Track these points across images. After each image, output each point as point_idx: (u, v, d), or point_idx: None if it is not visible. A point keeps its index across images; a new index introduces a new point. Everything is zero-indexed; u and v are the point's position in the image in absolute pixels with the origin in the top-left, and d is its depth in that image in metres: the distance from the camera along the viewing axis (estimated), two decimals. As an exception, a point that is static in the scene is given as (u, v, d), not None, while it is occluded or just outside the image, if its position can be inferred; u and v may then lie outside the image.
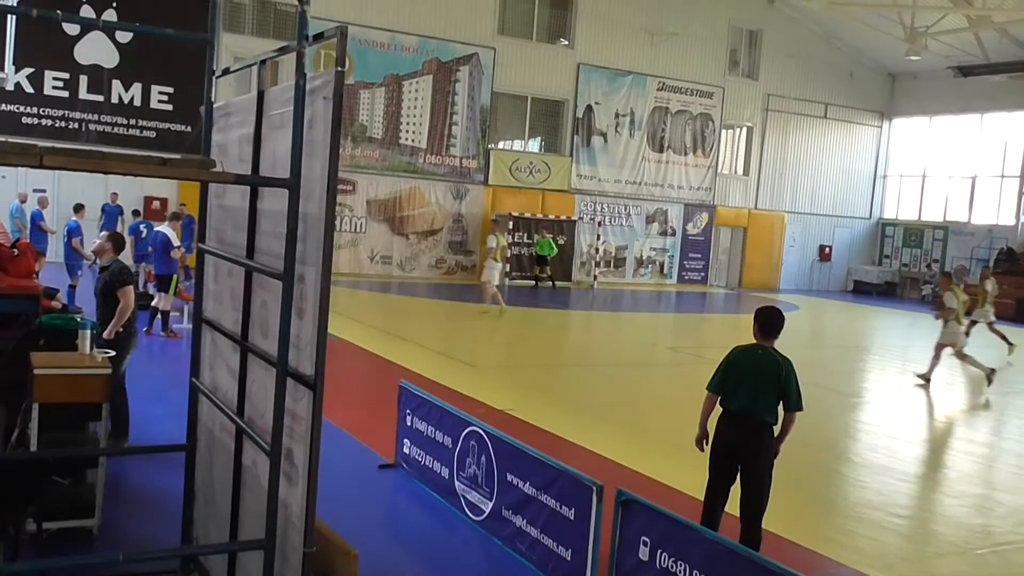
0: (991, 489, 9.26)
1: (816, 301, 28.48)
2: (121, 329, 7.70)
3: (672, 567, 5.01)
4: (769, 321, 6.20)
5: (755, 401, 5.95)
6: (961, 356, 15.10)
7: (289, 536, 4.01)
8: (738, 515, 6.03)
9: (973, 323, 18.14)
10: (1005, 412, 14.09)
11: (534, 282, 27.32)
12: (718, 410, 6.16)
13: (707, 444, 6.21)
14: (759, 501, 5.94)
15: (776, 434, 6.04)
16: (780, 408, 6.02)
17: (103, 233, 8.38)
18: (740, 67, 32.81)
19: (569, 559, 5.67)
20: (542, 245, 27.34)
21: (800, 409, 5.96)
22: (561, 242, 28.60)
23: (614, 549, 5.44)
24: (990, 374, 14.66)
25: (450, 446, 7.16)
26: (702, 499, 6.29)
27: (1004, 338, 18.70)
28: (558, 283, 27.89)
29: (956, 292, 14.85)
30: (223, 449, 4.89)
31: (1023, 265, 30.62)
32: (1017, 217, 32.12)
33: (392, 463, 8.10)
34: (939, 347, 14.90)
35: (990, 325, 18.80)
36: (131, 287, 7.86)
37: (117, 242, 8.15)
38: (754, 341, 6.19)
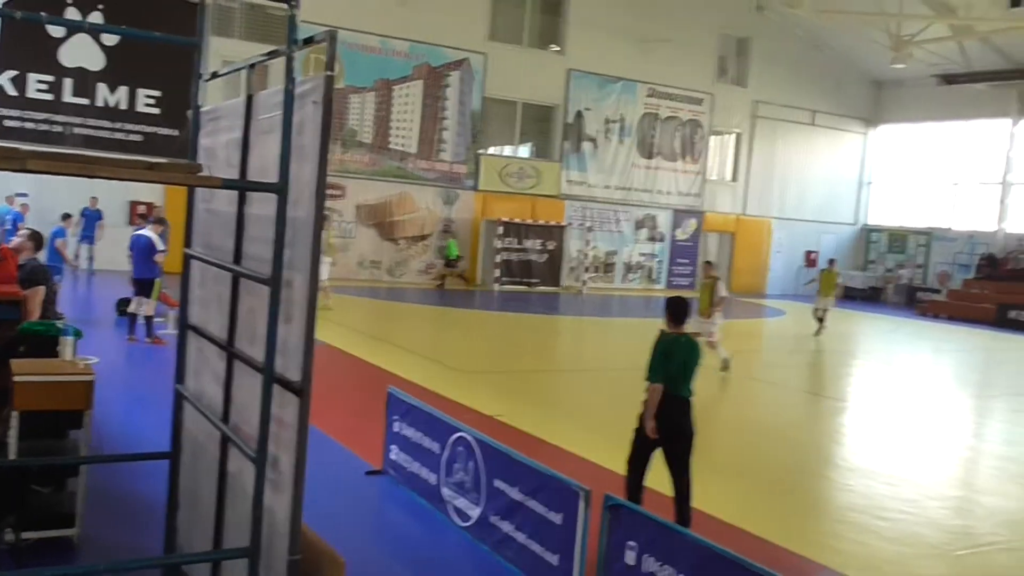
0: (971, 491, 9.32)
1: (802, 306, 28.45)
2: None
3: (659, 572, 5.01)
4: (680, 309, 7.05)
5: (686, 382, 6.73)
6: (711, 346, 13.91)
7: (274, 544, 3.98)
8: (673, 497, 6.75)
9: (823, 311, 21.10)
10: (986, 415, 14.17)
11: (440, 282, 26.88)
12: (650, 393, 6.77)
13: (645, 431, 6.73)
14: (688, 471, 6.71)
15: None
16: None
17: (23, 231, 8.28)
18: (729, 74, 32.94)
19: (556, 564, 5.66)
20: (450, 247, 27.11)
21: (660, 383, 6.79)
22: (551, 247, 28.63)
23: (601, 554, 5.44)
24: (725, 363, 14.25)
25: (438, 452, 7.14)
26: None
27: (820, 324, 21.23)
28: (545, 288, 27.91)
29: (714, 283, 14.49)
30: (208, 456, 4.85)
31: (1003, 270, 30.85)
32: (998, 223, 32.35)
33: (379, 469, 8.07)
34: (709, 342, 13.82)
35: (826, 311, 21.26)
36: (41, 287, 7.68)
37: (37, 240, 8.08)
38: (672, 329, 6.92)
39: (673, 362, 6.73)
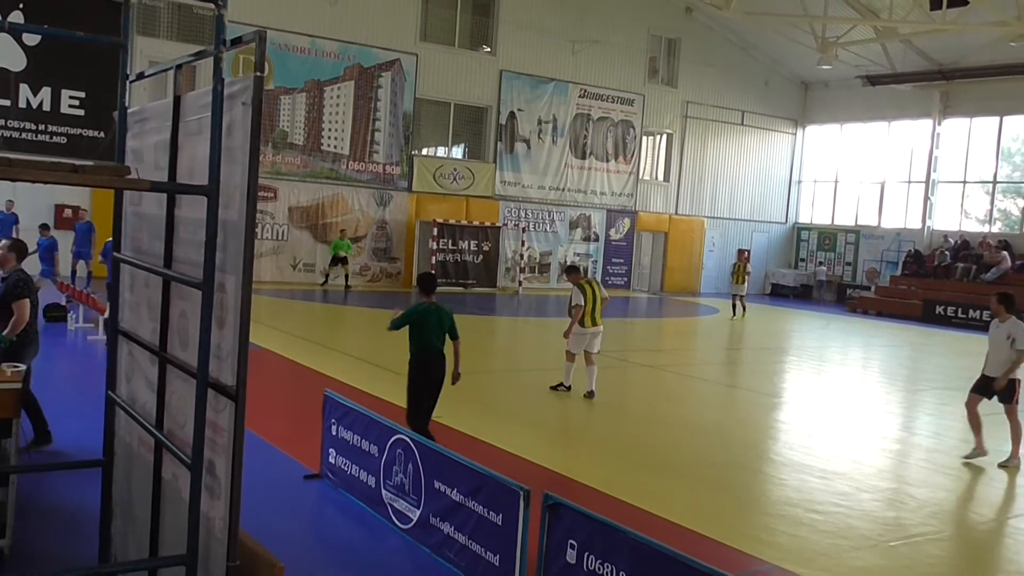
0: (902, 483, 9.56)
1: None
2: (15, 339, 7.61)
3: (599, 569, 5.05)
4: (429, 282, 8.88)
5: (438, 340, 8.65)
6: (579, 362, 12.54)
7: (212, 550, 3.92)
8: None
9: (740, 297, 25.47)
10: (915, 409, 14.57)
11: (324, 280, 26.12)
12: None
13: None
14: (437, 400, 8.76)
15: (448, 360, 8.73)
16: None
17: (3, 242, 8.13)
18: (660, 75, 33.34)
19: (497, 564, 5.67)
20: (339, 245, 26.14)
21: (458, 338, 8.75)
22: (486, 248, 28.65)
23: (542, 553, 5.46)
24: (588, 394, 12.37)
25: (376, 455, 7.10)
26: (623, 498, 7.72)
27: (736, 309, 25.55)
28: (482, 288, 27.94)
29: (587, 287, 12.39)
30: (142, 463, 4.76)
31: (929, 267, 31.77)
32: (923, 221, 33.29)
33: (317, 473, 8.00)
34: (569, 355, 12.53)
35: (741, 297, 25.60)
36: (26, 299, 7.70)
37: (20, 251, 7.99)
38: (425, 299, 8.67)
39: (428, 325, 8.55)
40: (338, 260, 26.21)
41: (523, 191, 30.51)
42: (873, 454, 10.67)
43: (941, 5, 25.91)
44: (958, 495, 9.33)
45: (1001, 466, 10.08)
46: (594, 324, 12.38)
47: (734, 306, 25.81)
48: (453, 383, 8.80)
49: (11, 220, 20.39)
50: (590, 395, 12.25)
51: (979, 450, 10.28)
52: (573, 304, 12.38)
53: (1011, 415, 10.14)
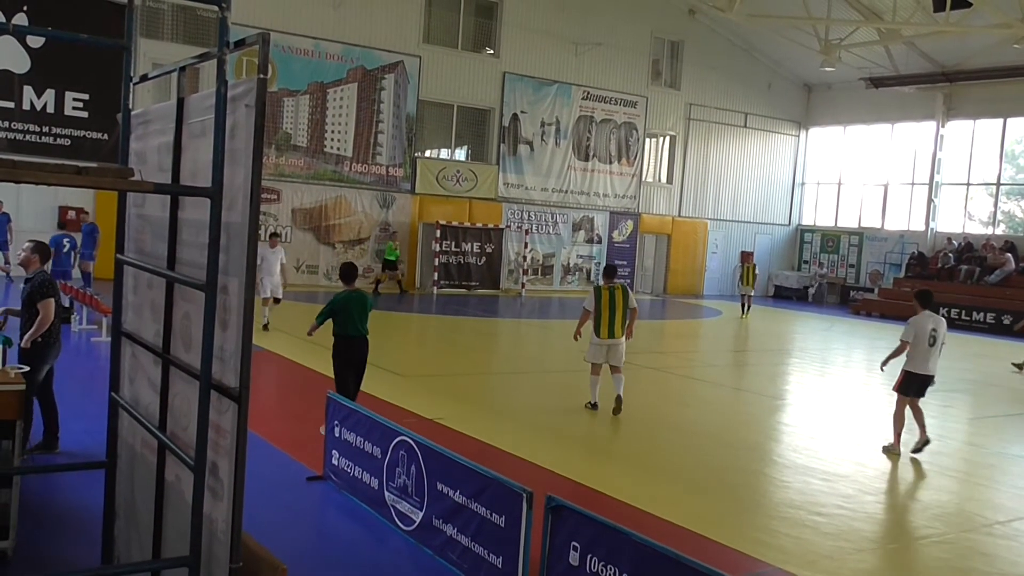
0: (906, 485, 9.55)
1: (738, 306, 28.95)
2: (39, 339, 7.70)
3: (602, 571, 5.04)
4: (350, 272, 9.66)
5: (362, 324, 9.33)
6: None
7: (215, 552, 3.92)
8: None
9: (748, 297, 27.24)
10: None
11: (375, 286, 25.95)
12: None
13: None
14: (360, 383, 9.60)
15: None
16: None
17: (26, 244, 8.19)
18: (663, 77, 33.32)
19: (500, 567, 5.67)
20: (390, 249, 26.63)
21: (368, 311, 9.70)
22: (489, 250, 28.65)
23: (544, 555, 5.45)
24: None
25: (379, 456, 7.10)
26: (625, 501, 7.74)
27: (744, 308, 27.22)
28: (484, 291, 27.93)
29: (604, 293, 11.46)
30: (145, 465, 4.77)
31: (932, 269, 31.71)
32: (927, 223, 33.25)
33: (320, 475, 8.00)
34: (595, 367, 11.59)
35: (749, 297, 27.29)
36: (51, 299, 7.79)
37: (43, 252, 8.07)
38: (346, 287, 9.46)
39: (350, 312, 9.24)
40: (388, 265, 26.44)
41: (526, 193, 30.50)
42: (876, 456, 10.65)
43: (944, 7, 25.87)
44: (961, 498, 9.31)
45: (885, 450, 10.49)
46: (610, 336, 11.30)
47: (743, 305, 27.28)
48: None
49: (3, 220, 20.45)
50: (618, 402, 11.23)
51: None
52: (583, 306, 11.68)
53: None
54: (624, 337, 11.45)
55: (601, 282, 11.89)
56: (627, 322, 11.48)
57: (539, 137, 30.55)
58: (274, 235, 22.13)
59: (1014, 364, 19.25)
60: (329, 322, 9.38)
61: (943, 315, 11.82)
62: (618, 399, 11.27)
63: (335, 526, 7.21)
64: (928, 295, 10.95)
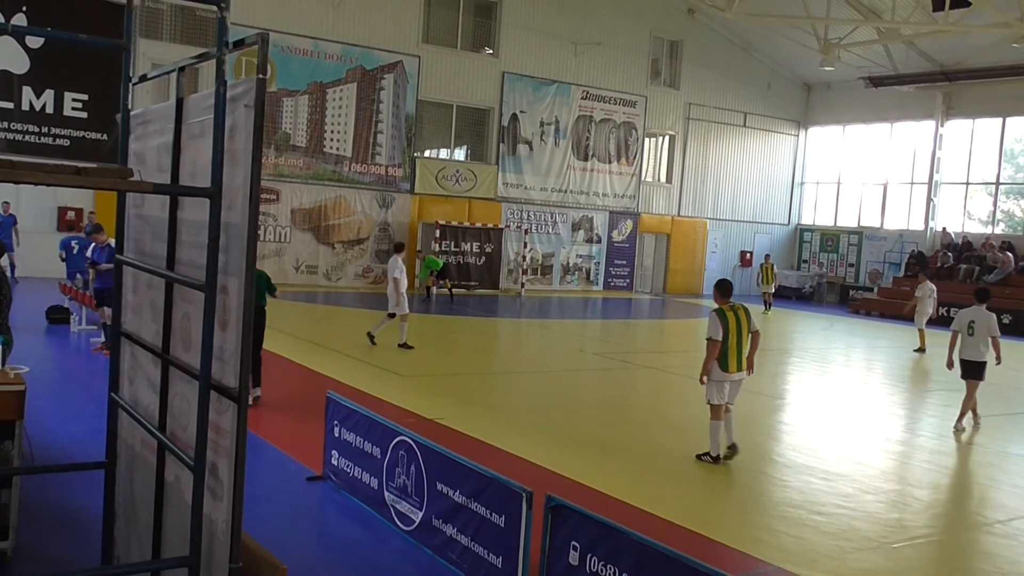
0: (906, 485, 9.55)
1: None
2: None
3: (602, 570, 5.05)
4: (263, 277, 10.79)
5: (263, 298, 10.73)
6: None
7: (215, 552, 3.92)
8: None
9: (768, 295, 28.90)
10: (918, 410, 14.55)
11: (427, 293, 26.11)
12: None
13: None
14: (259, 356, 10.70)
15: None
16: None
17: None
18: (662, 76, 33.33)
19: (500, 566, 5.67)
20: (431, 263, 26.15)
21: (276, 293, 11.23)
22: (489, 250, 28.66)
23: (544, 555, 5.46)
24: None
25: (379, 456, 7.10)
26: (625, 500, 7.64)
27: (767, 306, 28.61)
28: (484, 290, 27.94)
29: (729, 315, 9.53)
30: (144, 465, 4.76)
31: (932, 268, 31.69)
32: (926, 222, 33.26)
33: (320, 475, 8.00)
34: None
35: (770, 295, 29.00)
36: None
37: None
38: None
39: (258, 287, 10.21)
40: (436, 274, 26.22)
41: (525, 193, 30.51)
42: (876, 455, 10.65)
43: (943, 6, 25.88)
44: (961, 497, 9.32)
45: None
46: (739, 368, 9.45)
47: (766, 303, 28.79)
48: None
49: (10, 222, 20.44)
50: (732, 450, 9.58)
51: None
52: (707, 337, 9.46)
53: None
54: (747, 371, 9.61)
55: (715, 303, 9.77)
56: (749, 350, 9.55)
57: (538, 137, 30.56)
58: None
59: (915, 350, 20.79)
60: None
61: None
62: (733, 447, 9.58)
63: (335, 526, 7.21)
64: (982, 292, 12.82)
